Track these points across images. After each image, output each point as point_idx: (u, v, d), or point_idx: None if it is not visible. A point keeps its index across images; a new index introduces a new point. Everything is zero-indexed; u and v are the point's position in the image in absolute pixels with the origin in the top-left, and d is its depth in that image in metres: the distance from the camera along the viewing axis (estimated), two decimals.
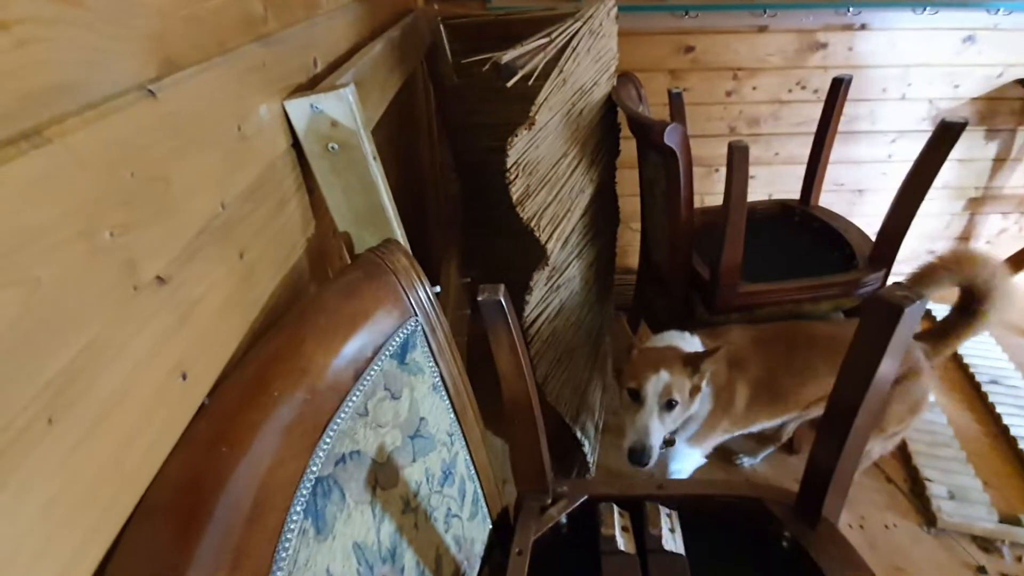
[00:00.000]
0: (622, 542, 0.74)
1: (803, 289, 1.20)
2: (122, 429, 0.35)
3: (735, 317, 1.25)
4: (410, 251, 0.66)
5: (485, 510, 0.76)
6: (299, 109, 0.60)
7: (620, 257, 1.88)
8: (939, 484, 1.32)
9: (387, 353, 0.58)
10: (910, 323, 0.54)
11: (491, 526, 0.78)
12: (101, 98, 0.35)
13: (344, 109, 0.60)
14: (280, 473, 0.43)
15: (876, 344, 0.55)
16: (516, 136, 0.92)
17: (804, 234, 1.41)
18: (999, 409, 1.50)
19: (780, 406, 1.09)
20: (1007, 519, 1.24)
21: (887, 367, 0.57)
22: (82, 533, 0.32)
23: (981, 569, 1.17)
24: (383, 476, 0.54)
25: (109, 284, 0.34)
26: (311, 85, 0.68)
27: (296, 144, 0.62)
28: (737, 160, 1.01)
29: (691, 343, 1.08)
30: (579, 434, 1.32)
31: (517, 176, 0.97)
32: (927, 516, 1.27)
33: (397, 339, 0.60)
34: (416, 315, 0.63)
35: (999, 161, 1.81)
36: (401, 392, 0.59)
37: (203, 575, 0.34)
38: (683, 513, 0.77)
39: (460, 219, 1.74)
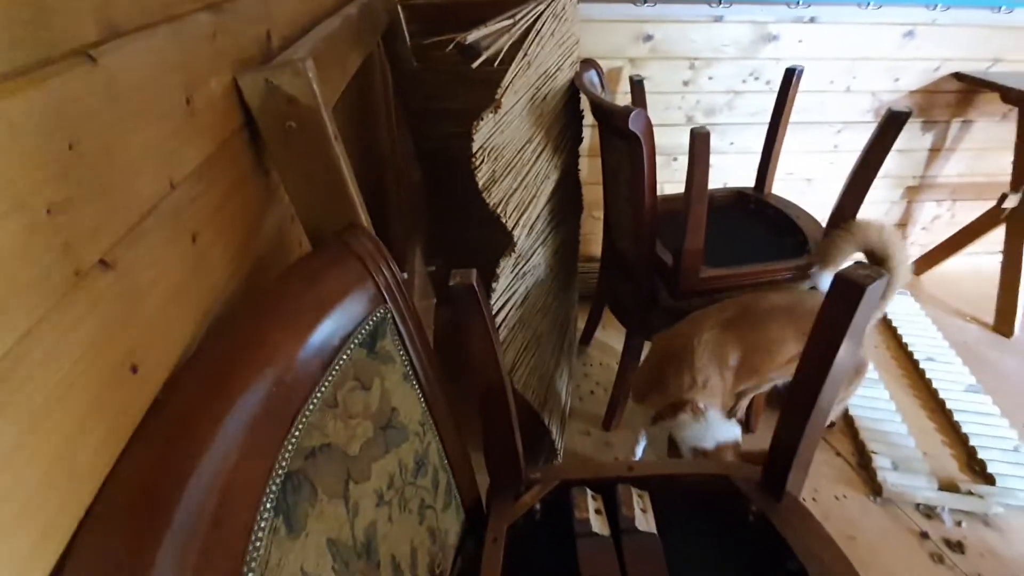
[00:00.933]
0: (596, 524, 0.74)
1: (760, 273, 1.24)
2: (69, 425, 0.31)
3: (696, 302, 1.28)
4: (375, 236, 0.64)
5: (459, 500, 0.75)
6: (253, 84, 0.56)
7: (583, 245, 1.89)
8: (883, 456, 1.39)
9: (356, 342, 0.56)
10: (871, 300, 0.56)
11: (464, 516, 0.77)
12: (35, 62, 0.32)
13: (302, 85, 0.56)
14: (246, 470, 0.40)
15: (840, 321, 0.57)
16: (482, 120, 0.90)
17: (759, 221, 1.46)
18: (935, 385, 1.60)
19: (755, 378, 1.13)
20: (946, 487, 1.33)
21: (849, 344, 0.59)
22: (32, 537, 0.29)
23: (924, 534, 1.25)
24: (355, 469, 0.52)
25: (47, 267, 0.31)
26: (265, 60, 0.65)
27: (252, 122, 0.58)
28: (698, 147, 1.03)
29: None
30: (546, 420, 1.33)
31: (483, 161, 0.95)
32: (873, 487, 1.35)
33: (366, 327, 0.58)
34: (385, 301, 0.61)
35: (934, 151, 1.92)
36: (371, 382, 0.57)
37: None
38: (654, 493, 0.78)
39: (422, 208, 1.71)
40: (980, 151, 1.93)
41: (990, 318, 1.85)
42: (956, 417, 1.49)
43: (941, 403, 1.54)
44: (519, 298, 1.23)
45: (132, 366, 0.38)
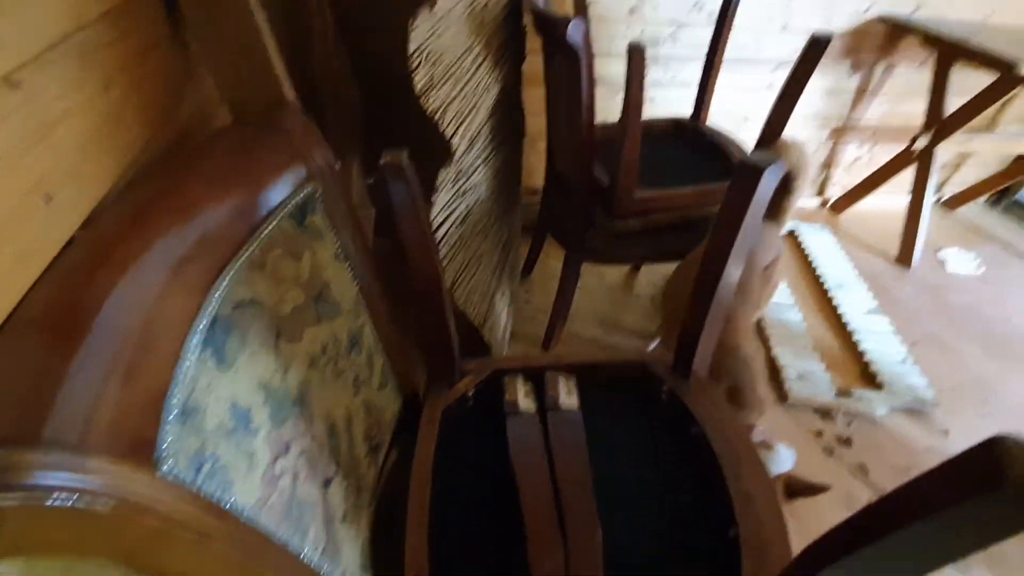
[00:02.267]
0: (524, 405, 0.80)
1: (691, 196, 1.30)
2: None
3: (632, 223, 1.34)
4: (305, 115, 0.63)
5: (395, 384, 0.79)
6: None
7: (527, 178, 1.91)
8: (791, 368, 1.54)
9: (284, 212, 0.57)
10: (769, 183, 0.62)
11: (401, 402, 0.81)
12: None
13: None
14: (171, 304, 0.42)
15: (741, 203, 0.63)
16: (416, 18, 0.89)
17: (694, 148, 1.52)
18: (841, 308, 1.76)
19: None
20: (842, 393, 1.50)
21: (749, 227, 0.65)
22: None
23: (819, 433, 1.41)
24: (286, 329, 0.54)
25: None
26: None
27: None
28: (635, 62, 1.05)
29: None
30: (486, 338, 1.38)
31: (420, 64, 0.94)
32: (781, 394, 1.50)
33: (295, 200, 0.58)
34: (314, 179, 0.61)
35: (860, 93, 2.02)
36: (301, 254, 0.58)
37: (87, 382, 0.33)
38: (580, 379, 0.85)
39: (359, 128, 1.66)
40: (900, 95, 2.05)
41: (895, 252, 2.03)
42: (856, 336, 1.65)
43: (844, 324, 1.71)
44: (459, 216, 1.25)
45: (46, 194, 0.38)
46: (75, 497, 0.27)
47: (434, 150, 1.07)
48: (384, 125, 1.62)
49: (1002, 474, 0.32)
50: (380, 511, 0.71)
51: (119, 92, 0.48)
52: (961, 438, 1.40)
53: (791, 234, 2.12)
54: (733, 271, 0.70)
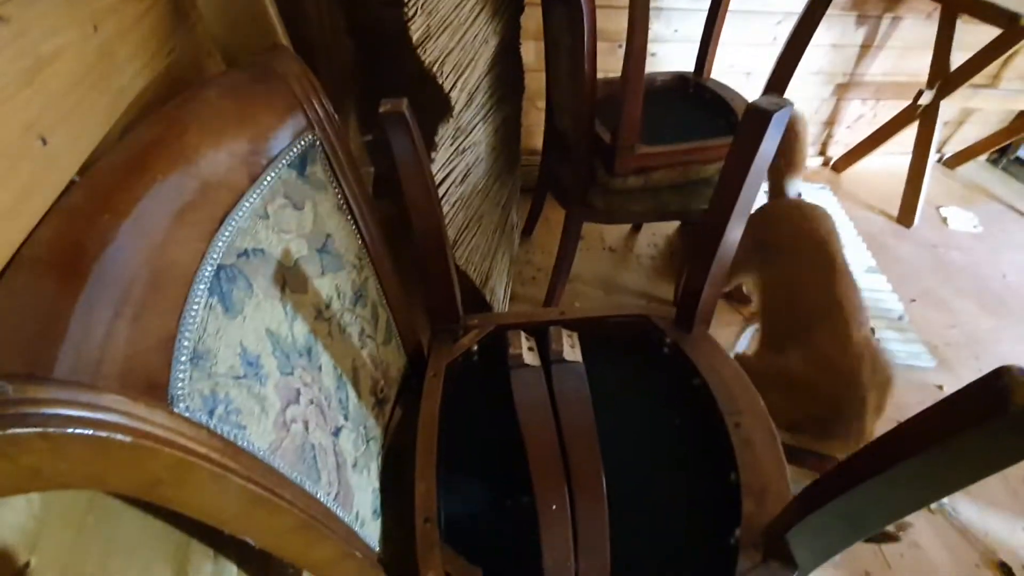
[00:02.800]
0: (528, 358, 0.81)
1: (693, 151, 1.28)
2: None
3: (633, 181, 1.32)
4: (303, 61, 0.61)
5: (399, 340, 0.79)
6: None
7: (526, 139, 1.88)
8: None
9: (284, 162, 0.56)
10: (778, 127, 0.60)
11: (406, 357, 0.82)
12: None
13: None
14: (176, 251, 0.41)
15: (748, 149, 0.62)
16: None
17: (696, 103, 1.49)
18: None
19: None
20: None
21: (756, 173, 0.65)
22: None
23: None
24: (291, 279, 0.53)
25: None
26: None
27: None
28: (638, 10, 1.02)
29: None
30: (488, 298, 1.38)
31: (416, 14, 0.91)
32: None
33: (295, 149, 0.57)
34: (314, 128, 0.60)
35: (865, 48, 1.98)
36: (303, 204, 0.58)
37: (95, 322, 0.33)
38: (582, 334, 0.85)
39: (356, 84, 1.62)
40: (905, 50, 2.00)
41: (896, 211, 2.02)
42: None
43: None
44: (459, 175, 1.23)
45: (40, 136, 0.37)
46: (94, 429, 0.27)
47: (432, 105, 1.05)
48: (380, 81, 1.58)
49: (1008, 401, 0.32)
50: (389, 462, 0.73)
51: (109, 34, 0.46)
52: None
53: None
54: (738, 221, 0.69)
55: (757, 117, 0.60)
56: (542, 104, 1.63)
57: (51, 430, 0.26)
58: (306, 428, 0.49)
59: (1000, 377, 0.33)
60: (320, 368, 0.55)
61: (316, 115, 0.61)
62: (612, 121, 1.22)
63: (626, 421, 0.76)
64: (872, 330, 0.92)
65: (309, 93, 0.60)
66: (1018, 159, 2.31)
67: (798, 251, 1.09)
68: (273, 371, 0.46)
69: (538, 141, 1.75)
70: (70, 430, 0.26)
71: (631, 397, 0.81)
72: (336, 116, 0.64)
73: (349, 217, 0.65)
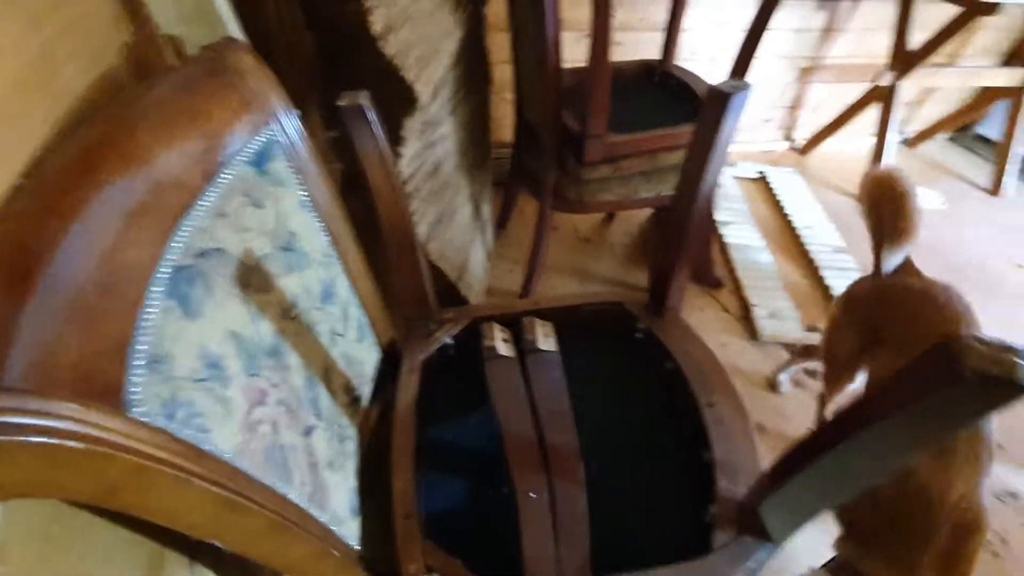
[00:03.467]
0: (503, 349, 0.81)
1: (660, 138, 1.30)
2: None
3: (603, 170, 1.33)
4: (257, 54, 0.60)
5: (373, 338, 0.79)
6: None
7: (496, 131, 1.87)
8: (761, 308, 1.59)
9: (242, 159, 0.54)
10: (737, 108, 0.61)
11: (381, 354, 0.81)
12: None
13: None
14: (130, 254, 0.40)
15: (711, 130, 0.63)
16: None
17: (663, 90, 1.50)
18: (809, 247, 1.80)
19: None
20: (810, 328, 1.55)
21: (718, 156, 0.66)
22: None
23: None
24: (254, 278, 0.52)
25: None
26: None
27: None
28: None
29: None
30: (464, 292, 1.38)
31: (376, 6, 0.89)
32: (752, 332, 1.54)
33: (252, 146, 0.56)
34: (271, 123, 0.59)
35: (827, 31, 2.01)
36: (264, 202, 0.56)
37: (44, 327, 0.32)
38: (557, 323, 0.85)
39: (318, 81, 1.59)
40: (865, 31, 2.04)
41: None
42: (822, 273, 1.70)
43: (812, 262, 1.75)
44: (429, 169, 1.22)
45: None
46: (45, 436, 0.26)
47: (398, 99, 1.04)
48: (343, 76, 1.55)
49: (961, 366, 0.33)
50: (369, 460, 0.72)
51: (51, 32, 0.45)
52: None
53: (762, 178, 2.14)
54: (701, 210, 0.70)
55: (717, 100, 0.61)
56: (511, 96, 1.62)
57: (1, 438, 0.25)
58: (275, 429, 0.48)
59: (949, 346, 0.34)
60: (289, 368, 0.55)
61: (274, 109, 0.59)
62: (580, 110, 1.22)
63: (602, 407, 0.77)
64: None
65: (265, 87, 0.59)
66: (978, 136, 2.38)
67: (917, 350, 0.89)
68: (238, 373, 0.46)
69: (509, 133, 1.74)
70: (20, 438, 0.25)
71: (606, 383, 0.81)
72: (297, 111, 0.63)
73: (314, 214, 0.64)
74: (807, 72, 2.12)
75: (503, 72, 1.73)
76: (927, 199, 2.07)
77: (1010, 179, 2.08)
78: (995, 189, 2.09)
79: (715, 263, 1.72)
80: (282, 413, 0.51)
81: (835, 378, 1.07)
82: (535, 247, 1.49)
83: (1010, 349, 0.34)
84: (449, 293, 1.37)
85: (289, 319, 0.57)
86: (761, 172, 2.16)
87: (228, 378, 0.44)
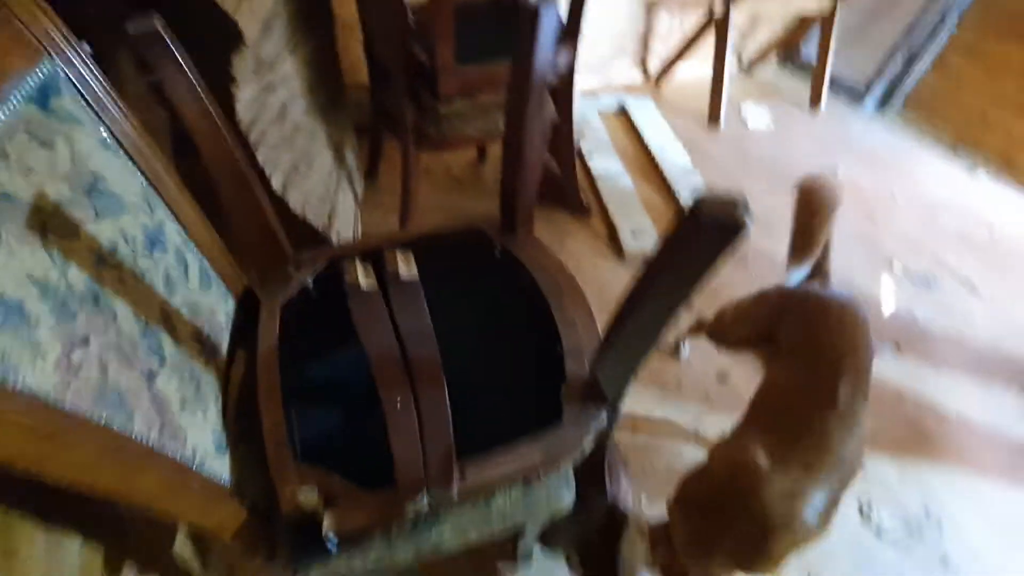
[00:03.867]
0: (365, 284, 0.82)
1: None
2: None
3: (460, 104, 1.34)
4: None
5: (221, 285, 0.76)
6: None
7: (352, 74, 1.79)
8: (625, 229, 1.72)
9: (20, 95, 0.49)
10: (550, 22, 0.65)
11: (234, 301, 0.79)
12: None
13: None
14: None
15: (528, 46, 0.66)
16: None
17: (512, 20, 1.51)
18: (663, 169, 1.96)
19: None
20: None
21: (540, 71, 0.70)
22: None
23: None
24: (54, 224, 0.49)
25: None
26: None
27: None
28: None
29: None
30: (336, 241, 1.35)
31: None
32: (618, 251, 1.68)
33: (29, 81, 0.51)
34: (50, 55, 0.53)
35: None
36: (53, 141, 0.52)
37: None
38: (418, 253, 0.88)
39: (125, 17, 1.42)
40: None
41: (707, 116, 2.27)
42: (675, 191, 1.87)
43: (666, 182, 1.92)
44: (273, 113, 1.16)
45: None
46: None
47: (222, 36, 0.96)
48: (159, 14, 1.39)
49: (699, 215, 0.41)
50: (241, 408, 0.72)
51: None
52: (754, 261, 1.70)
53: (622, 109, 2.26)
54: (535, 116, 0.75)
55: (526, 15, 0.64)
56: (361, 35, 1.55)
57: None
58: (104, 371, 0.47)
59: (694, 206, 0.42)
60: (115, 314, 0.52)
61: (49, 38, 0.53)
62: (429, 43, 1.21)
63: (464, 320, 0.82)
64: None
65: (37, 19, 0.53)
66: (801, 62, 2.67)
67: (803, 363, 0.89)
68: (45, 316, 0.43)
69: (365, 75, 1.68)
70: None
71: (468, 301, 0.86)
72: (86, 46, 0.58)
73: (120, 153, 0.60)
74: (653, 4, 2.23)
75: (351, 9, 1.64)
76: (759, 118, 2.32)
77: (827, 97, 2.38)
78: (814, 105, 2.39)
79: (583, 191, 1.82)
80: (113, 357, 0.49)
81: (716, 338, 1.16)
82: (404, 188, 1.48)
83: (735, 201, 0.42)
84: (319, 244, 1.34)
85: (108, 266, 0.54)
86: (620, 103, 2.27)
87: (34, 322, 0.42)
